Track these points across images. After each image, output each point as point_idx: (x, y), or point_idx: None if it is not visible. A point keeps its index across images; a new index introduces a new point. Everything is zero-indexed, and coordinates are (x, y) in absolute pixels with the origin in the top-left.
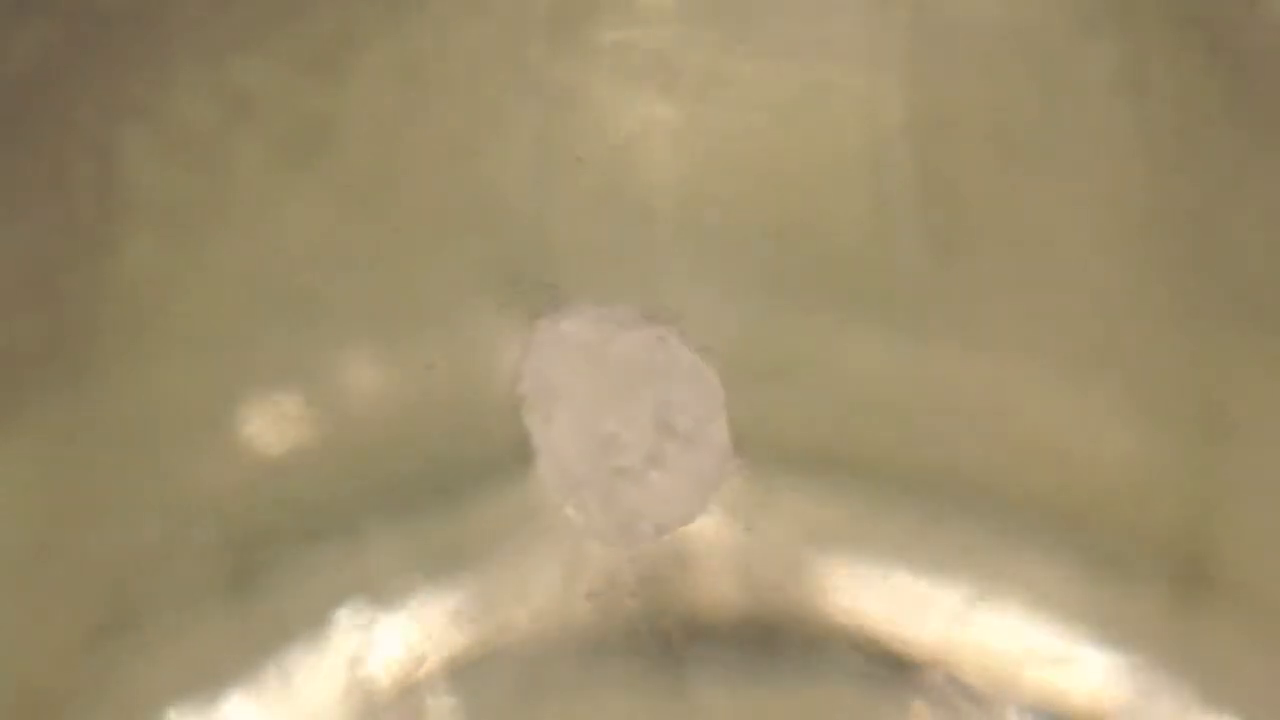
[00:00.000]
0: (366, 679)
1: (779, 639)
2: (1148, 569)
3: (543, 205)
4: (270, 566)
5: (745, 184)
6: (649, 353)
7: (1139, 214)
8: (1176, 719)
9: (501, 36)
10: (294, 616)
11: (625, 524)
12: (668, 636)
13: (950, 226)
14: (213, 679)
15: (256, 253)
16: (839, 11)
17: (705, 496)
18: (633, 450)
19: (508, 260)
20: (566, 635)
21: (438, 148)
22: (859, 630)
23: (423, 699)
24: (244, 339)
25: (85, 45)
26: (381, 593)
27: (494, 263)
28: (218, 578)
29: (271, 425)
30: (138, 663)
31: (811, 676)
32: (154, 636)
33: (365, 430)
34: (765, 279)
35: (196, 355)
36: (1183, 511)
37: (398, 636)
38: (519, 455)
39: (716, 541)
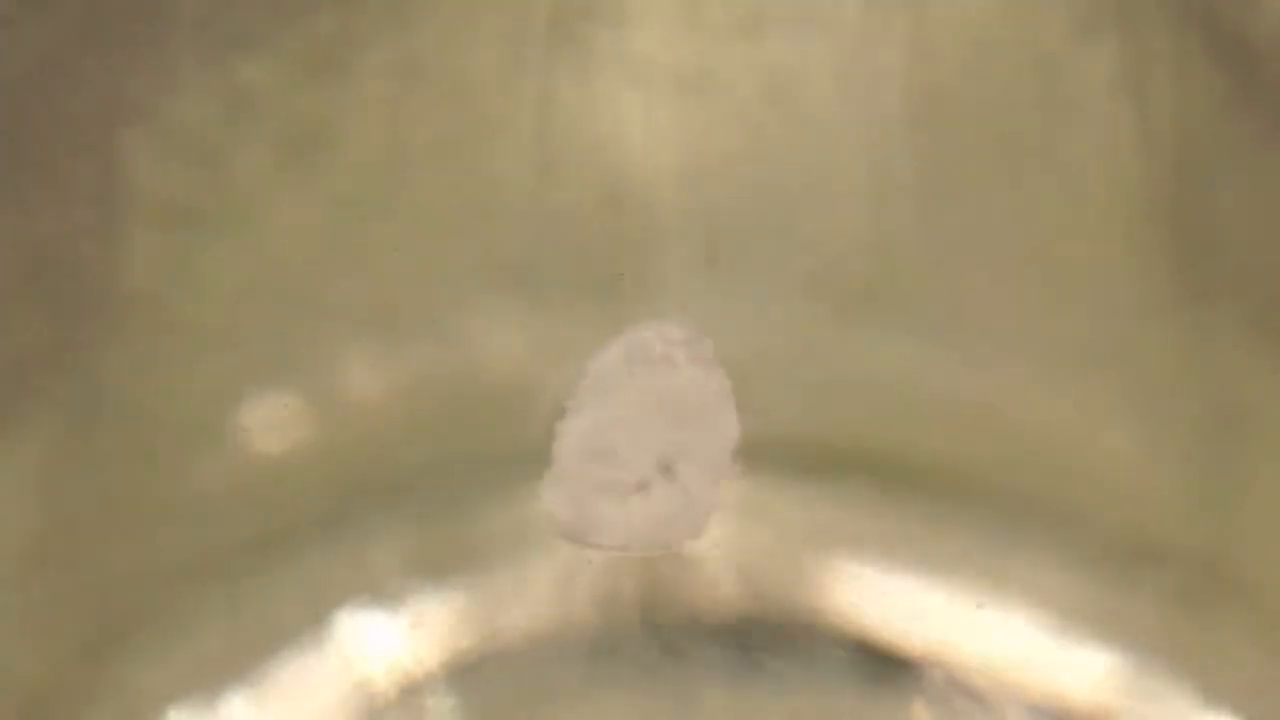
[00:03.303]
0: (366, 679)
1: (779, 639)
2: (1148, 569)
3: (542, 205)
4: (270, 566)
5: (745, 183)
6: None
7: (1139, 214)
8: (1176, 719)
9: (501, 37)
10: (294, 616)
11: (645, 535)
12: (668, 637)
13: (950, 225)
14: (213, 679)
15: (256, 252)
16: (838, 12)
17: (715, 500)
18: (640, 463)
19: (507, 260)
20: (567, 636)
21: (438, 148)
22: (859, 630)
23: (423, 699)
24: (244, 339)
25: (85, 45)
26: (381, 593)
27: (494, 263)
28: (217, 577)
29: (271, 425)
30: (138, 663)
31: (811, 676)
32: (154, 637)
33: (365, 430)
34: (765, 279)
35: (196, 355)
36: (1183, 511)
37: (398, 636)
38: (519, 455)
39: (716, 541)
